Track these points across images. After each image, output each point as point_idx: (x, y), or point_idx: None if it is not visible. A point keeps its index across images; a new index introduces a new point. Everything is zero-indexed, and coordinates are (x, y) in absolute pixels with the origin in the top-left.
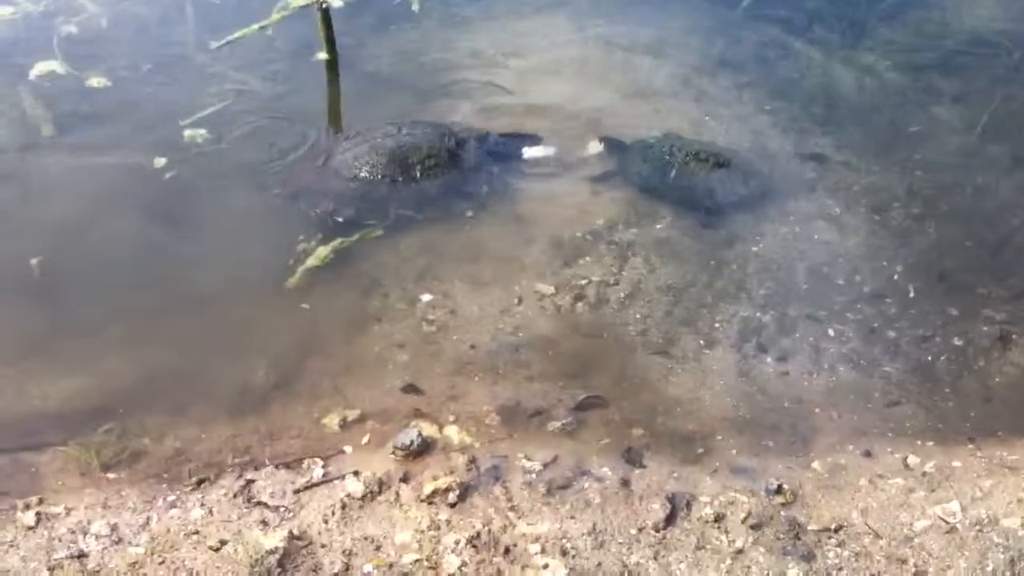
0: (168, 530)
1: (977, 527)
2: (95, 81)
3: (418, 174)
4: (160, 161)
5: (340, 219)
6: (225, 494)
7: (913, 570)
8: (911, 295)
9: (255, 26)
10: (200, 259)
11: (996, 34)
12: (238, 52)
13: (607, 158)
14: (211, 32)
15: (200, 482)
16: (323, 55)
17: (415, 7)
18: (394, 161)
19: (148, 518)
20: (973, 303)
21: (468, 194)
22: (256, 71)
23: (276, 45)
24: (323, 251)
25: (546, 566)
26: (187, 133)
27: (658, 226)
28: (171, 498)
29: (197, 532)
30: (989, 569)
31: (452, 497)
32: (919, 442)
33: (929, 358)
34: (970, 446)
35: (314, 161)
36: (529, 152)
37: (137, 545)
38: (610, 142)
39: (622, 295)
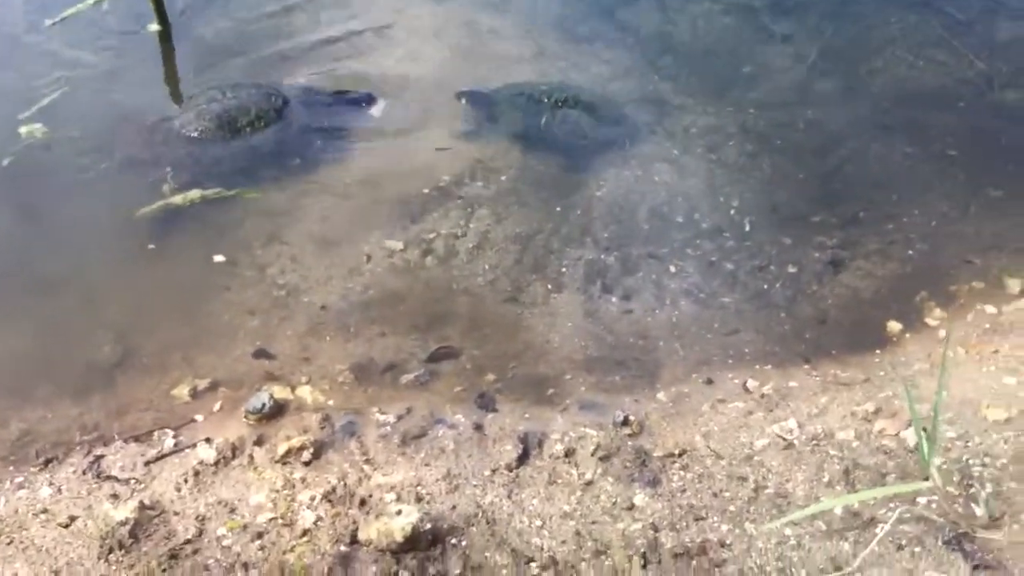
0: (16, 511)
1: (813, 442)
2: None
3: (248, 134)
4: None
5: (174, 184)
6: (74, 472)
7: (753, 486)
8: (747, 228)
9: (90, 1)
10: (39, 237)
11: None
12: (70, 28)
13: (471, 112)
14: (39, 8)
15: (48, 462)
16: (155, 26)
17: None
18: (223, 124)
19: None
20: (806, 231)
21: (300, 150)
22: (89, 47)
23: (107, 19)
24: (179, 199)
25: (399, 512)
26: (23, 130)
27: (503, 178)
28: (18, 480)
29: (46, 511)
30: (825, 480)
31: (306, 455)
32: (757, 366)
33: (765, 286)
34: (806, 367)
35: (143, 131)
36: (369, 110)
37: None
38: (472, 95)
39: (470, 247)
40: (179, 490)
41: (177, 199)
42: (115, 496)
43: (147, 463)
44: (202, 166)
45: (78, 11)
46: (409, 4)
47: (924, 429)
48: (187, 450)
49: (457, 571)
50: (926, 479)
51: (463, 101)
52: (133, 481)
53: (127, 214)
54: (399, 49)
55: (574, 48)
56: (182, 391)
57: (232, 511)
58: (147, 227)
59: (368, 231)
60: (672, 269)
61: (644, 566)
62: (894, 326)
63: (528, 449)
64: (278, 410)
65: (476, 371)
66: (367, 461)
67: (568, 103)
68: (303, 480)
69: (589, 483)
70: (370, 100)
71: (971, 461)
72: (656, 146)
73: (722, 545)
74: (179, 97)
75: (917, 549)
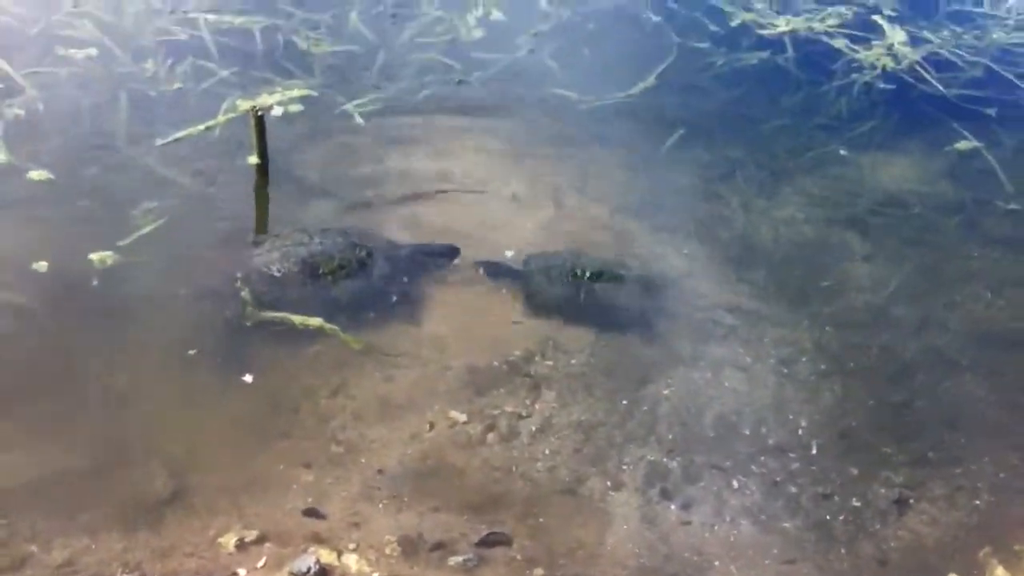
0: None
1: None
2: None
3: (329, 282)
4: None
5: (248, 323)
6: None
7: None
8: (813, 451)
9: (201, 126)
10: (107, 356)
11: (907, 195)
12: (172, 150)
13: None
14: (146, 126)
15: None
16: (254, 159)
17: (358, 120)
18: (305, 268)
19: None
20: (873, 464)
21: (377, 304)
22: (188, 171)
23: (208, 144)
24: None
25: None
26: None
27: (572, 360)
28: None
29: None
30: None
31: None
32: None
33: (827, 517)
34: None
35: (227, 264)
36: (451, 262)
37: None
38: (488, 266)
39: (533, 429)
40: None
41: (296, 319)
42: None
43: None
44: (280, 306)
45: (189, 135)
46: (501, 174)
47: None
48: None
49: None
50: None
51: (480, 271)
52: None
53: (196, 344)
54: (484, 213)
55: (654, 236)
56: (228, 540)
57: None
58: (215, 359)
59: (433, 398)
60: (735, 484)
61: None
62: None
63: None
64: (322, 575)
65: (526, 563)
66: None
67: (617, 272)
68: None
69: None
70: (452, 253)
71: None
72: (728, 351)
73: None
74: (265, 233)
75: None
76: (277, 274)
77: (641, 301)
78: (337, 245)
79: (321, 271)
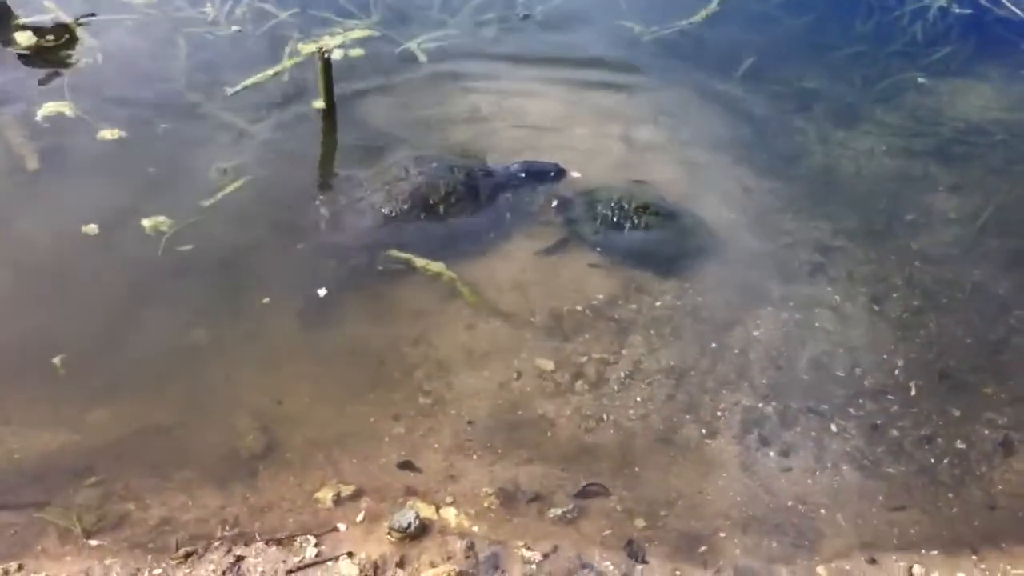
0: None
1: None
2: (107, 133)
3: (442, 212)
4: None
5: (379, 267)
6: (214, 570)
7: None
8: (912, 392)
9: (269, 71)
10: (198, 307)
11: (990, 123)
12: (239, 98)
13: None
14: (211, 73)
15: (188, 555)
16: (320, 103)
17: (422, 58)
18: (416, 204)
19: None
20: (975, 404)
21: (491, 230)
22: (257, 117)
23: (273, 90)
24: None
25: None
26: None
27: (657, 303)
28: (157, 572)
29: None
30: None
31: None
32: (923, 551)
33: (932, 460)
34: (973, 557)
35: (327, 210)
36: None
37: None
38: (563, 203)
39: (622, 375)
40: None
41: (421, 263)
42: None
43: (288, 572)
44: (402, 246)
45: (257, 82)
46: (571, 110)
47: None
48: (329, 563)
49: None
50: None
51: (553, 208)
52: None
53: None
54: (557, 151)
55: (731, 171)
56: (326, 495)
57: None
58: (308, 309)
59: (519, 346)
60: (833, 428)
61: None
62: None
63: None
64: (422, 530)
65: (626, 514)
66: None
67: (664, 208)
68: None
69: None
70: (559, 173)
71: None
72: (816, 289)
73: None
74: (351, 178)
75: None
76: (387, 212)
77: (722, 240)
78: (437, 172)
79: (431, 201)
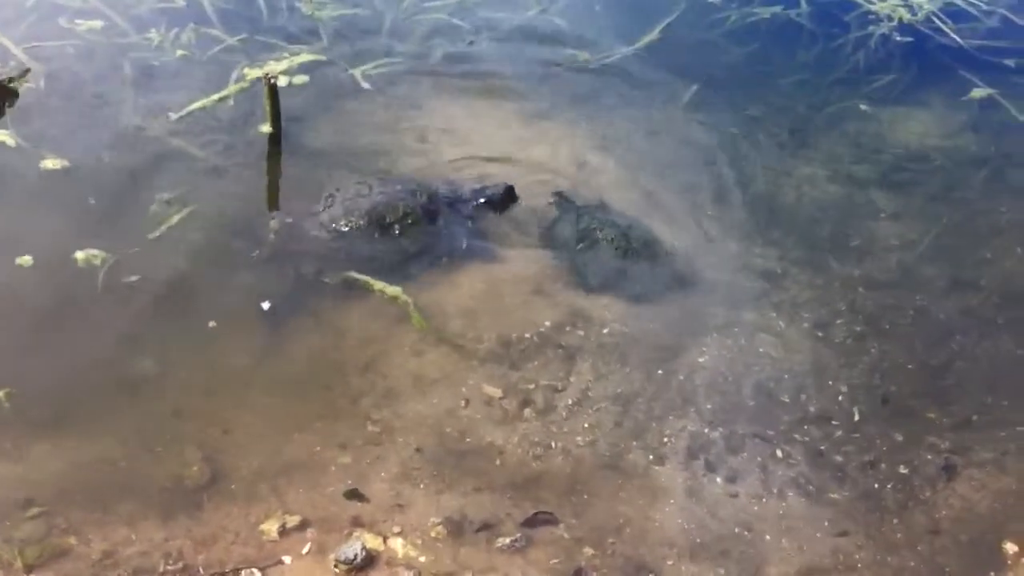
0: None
1: None
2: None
3: (397, 232)
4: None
5: (327, 280)
6: None
7: None
8: (856, 418)
9: (215, 96)
10: (144, 337)
11: (931, 150)
12: (186, 122)
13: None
14: (150, 96)
15: None
16: (267, 128)
17: (365, 85)
18: (372, 221)
19: None
20: (917, 429)
21: (448, 252)
22: (201, 141)
23: (218, 115)
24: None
25: None
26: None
27: (604, 331)
28: None
29: None
30: None
31: None
32: None
33: (876, 486)
34: None
35: (284, 225)
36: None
37: None
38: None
39: (570, 402)
40: None
41: (379, 285)
42: None
43: None
44: (354, 263)
45: (203, 106)
46: (518, 137)
47: None
48: None
49: None
50: None
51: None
52: None
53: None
54: (505, 178)
55: (677, 197)
56: (271, 527)
57: None
58: (250, 334)
59: (468, 373)
60: (779, 454)
61: None
62: (1009, 547)
63: None
64: (369, 561)
65: (574, 543)
66: None
67: (627, 242)
68: None
69: None
70: (510, 195)
71: None
72: (760, 316)
73: None
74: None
75: None
76: (346, 229)
77: (667, 266)
78: (398, 193)
79: (388, 220)
